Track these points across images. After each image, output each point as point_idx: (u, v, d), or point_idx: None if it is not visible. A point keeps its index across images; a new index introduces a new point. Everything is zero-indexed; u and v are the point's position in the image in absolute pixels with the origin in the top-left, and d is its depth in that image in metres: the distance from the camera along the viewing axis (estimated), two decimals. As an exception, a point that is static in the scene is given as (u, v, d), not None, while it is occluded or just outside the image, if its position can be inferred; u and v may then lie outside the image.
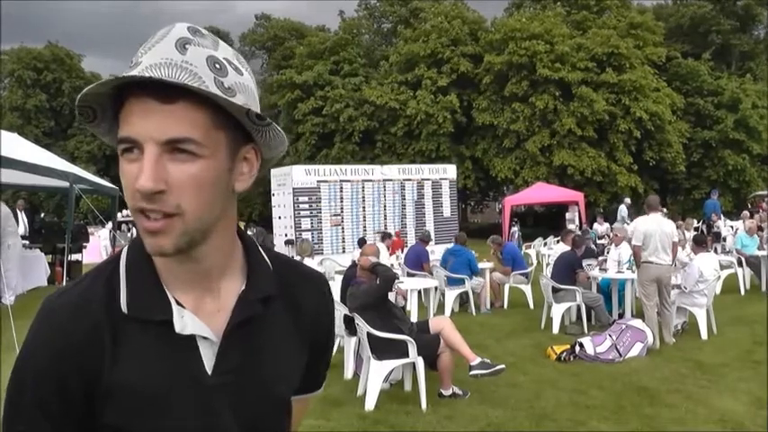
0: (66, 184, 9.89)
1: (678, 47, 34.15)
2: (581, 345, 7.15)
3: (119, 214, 17.49)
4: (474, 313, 10.00)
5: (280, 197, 16.04)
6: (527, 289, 10.55)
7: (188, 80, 0.85)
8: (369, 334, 5.52)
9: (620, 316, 8.75)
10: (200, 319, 0.96)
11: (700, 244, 8.88)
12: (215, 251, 0.98)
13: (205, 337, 0.96)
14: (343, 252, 15.12)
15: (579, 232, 13.07)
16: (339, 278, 7.82)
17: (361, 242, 12.28)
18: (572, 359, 7.04)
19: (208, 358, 0.96)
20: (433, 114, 29.05)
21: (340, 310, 6.01)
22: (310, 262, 8.99)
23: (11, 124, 34.43)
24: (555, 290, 8.70)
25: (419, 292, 9.22)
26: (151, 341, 0.94)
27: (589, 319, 8.69)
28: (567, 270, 8.90)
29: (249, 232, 1.10)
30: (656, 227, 7.60)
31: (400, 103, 30.02)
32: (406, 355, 5.54)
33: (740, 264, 11.71)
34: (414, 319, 7.52)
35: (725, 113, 30.68)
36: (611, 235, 11.97)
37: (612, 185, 28.11)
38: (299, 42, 37.73)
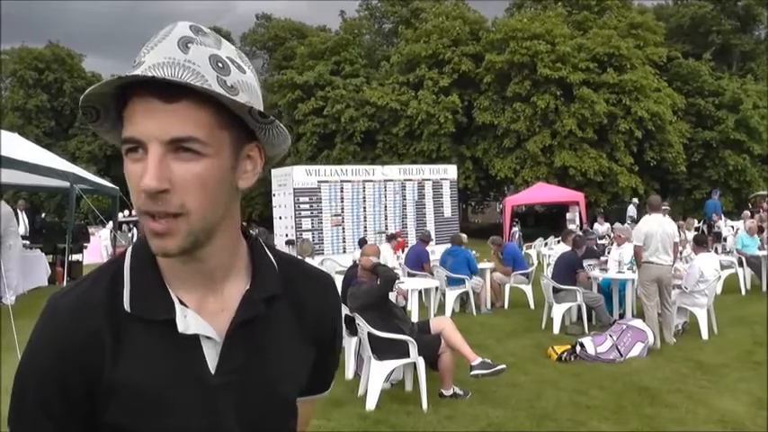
0: (66, 184, 9.88)
1: (679, 47, 34.14)
2: (582, 345, 7.15)
3: (120, 214, 17.50)
4: (474, 313, 10.00)
5: (280, 197, 16.04)
6: (528, 289, 10.55)
7: (191, 79, 0.85)
8: (369, 334, 5.52)
9: (621, 316, 8.75)
10: (203, 318, 0.96)
11: (700, 244, 8.87)
12: (219, 251, 0.98)
13: (208, 337, 0.96)
14: (344, 252, 15.11)
15: (580, 232, 13.07)
16: (340, 278, 7.82)
17: (362, 242, 12.27)
18: (573, 359, 7.04)
19: (211, 358, 0.96)
20: (435, 114, 29.05)
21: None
22: (311, 262, 8.98)
23: (12, 124, 34.47)
24: (555, 290, 8.70)
25: (420, 292, 9.22)
26: (154, 340, 0.94)
27: (590, 320, 8.69)
28: (568, 270, 8.90)
29: (251, 232, 1.10)
30: (657, 227, 7.60)
31: (401, 104, 30.00)
32: (407, 355, 5.54)
33: (741, 264, 11.70)
34: (414, 319, 7.52)
35: (726, 114, 30.67)
36: (613, 235, 11.97)
37: (613, 186, 28.10)
38: (300, 42, 37.71)
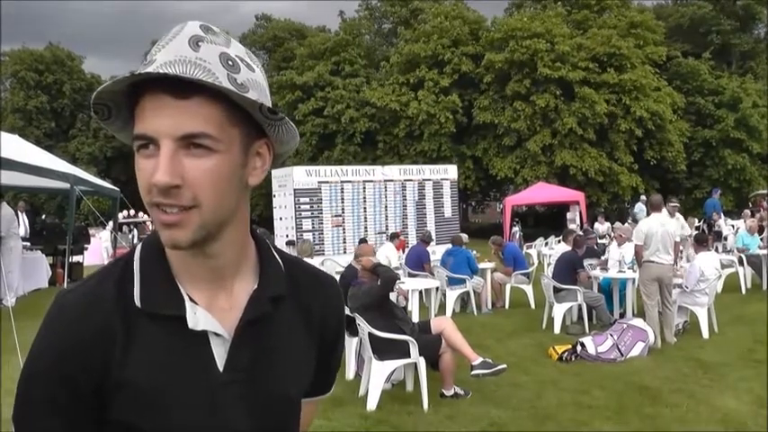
0: (66, 185, 9.89)
1: (678, 46, 34.16)
2: (582, 344, 7.15)
3: (120, 215, 17.50)
4: (475, 313, 10.00)
5: (281, 198, 16.04)
6: (528, 289, 10.55)
7: (202, 76, 0.86)
8: (370, 334, 5.52)
9: (622, 315, 8.76)
10: (212, 315, 0.97)
11: (701, 243, 8.87)
12: (229, 247, 0.99)
13: (217, 334, 0.97)
14: (345, 252, 15.10)
15: (580, 232, 13.07)
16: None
17: (363, 242, 12.27)
18: (573, 359, 7.04)
19: (219, 355, 0.97)
20: (435, 114, 29.05)
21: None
22: (311, 262, 8.98)
23: (12, 126, 34.46)
24: (556, 290, 8.70)
25: (420, 292, 9.22)
26: (163, 336, 0.95)
27: (590, 319, 8.69)
28: (569, 270, 8.90)
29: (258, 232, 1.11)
30: (658, 226, 7.60)
31: (401, 104, 30.00)
32: (408, 355, 5.54)
33: (741, 263, 11.70)
34: (415, 319, 7.52)
35: (725, 113, 30.69)
36: (614, 234, 11.98)
37: (614, 185, 28.11)
38: (300, 43, 37.72)
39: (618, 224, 18.52)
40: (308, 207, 15.53)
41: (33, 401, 0.93)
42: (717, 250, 13.23)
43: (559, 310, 8.62)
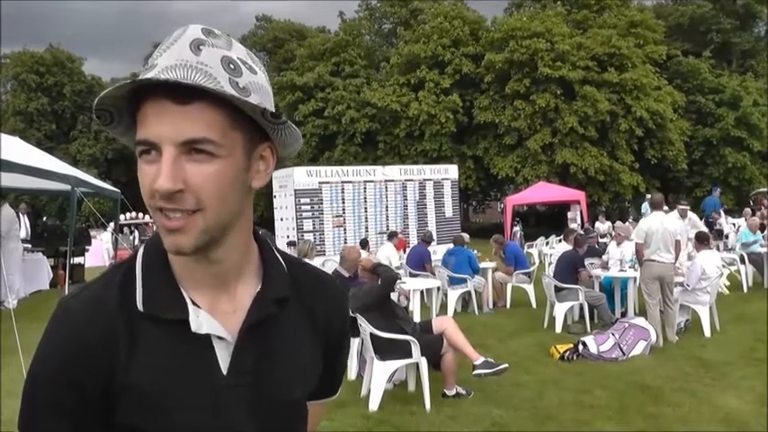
0: (67, 187, 9.88)
1: (678, 45, 34.18)
2: (584, 344, 7.15)
3: (122, 216, 17.51)
4: (477, 313, 10.00)
5: (281, 199, 16.02)
6: (529, 288, 10.55)
7: (203, 81, 0.86)
8: (372, 334, 5.52)
9: (623, 314, 8.75)
10: (215, 319, 0.97)
11: (702, 241, 8.86)
12: (233, 251, 0.98)
13: (220, 338, 0.96)
14: (346, 253, 15.07)
15: (581, 231, 13.06)
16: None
17: (364, 243, 12.27)
18: (575, 358, 7.03)
19: (223, 358, 0.96)
20: (436, 115, 29.06)
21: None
22: (311, 263, 8.98)
23: (13, 128, 34.45)
24: (557, 289, 8.69)
25: (422, 292, 9.22)
26: (167, 340, 0.94)
27: (592, 318, 8.68)
28: (570, 269, 8.89)
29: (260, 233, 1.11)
30: (658, 225, 7.60)
31: (402, 105, 30.01)
32: (410, 355, 5.54)
33: (742, 261, 11.69)
34: (416, 319, 7.52)
35: (726, 111, 30.71)
36: (614, 233, 11.98)
37: (615, 184, 28.11)
38: (300, 44, 37.72)
39: (618, 223, 18.48)
40: (308, 208, 15.51)
41: (39, 405, 0.93)
42: (717, 248, 13.21)
43: (561, 310, 8.61)
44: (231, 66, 0.90)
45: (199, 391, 0.94)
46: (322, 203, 15.70)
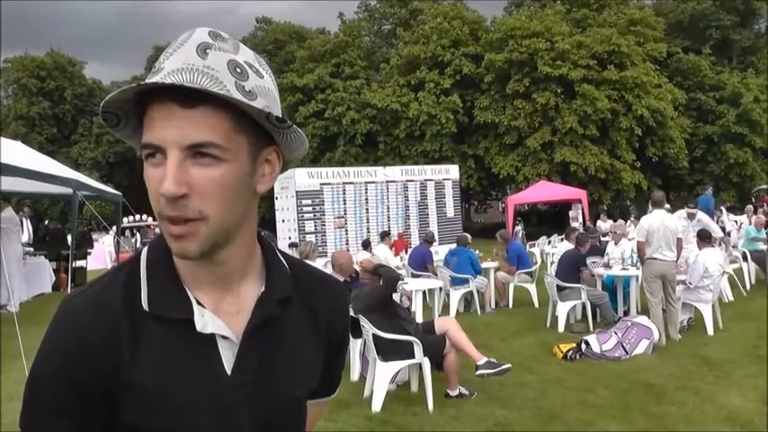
0: (69, 190, 9.90)
1: (678, 43, 34.16)
2: (587, 343, 7.14)
3: (125, 219, 17.51)
4: (479, 313, 10.00)
5: (283, 200, 16.02)
6: (532, 288, 10.53)
7: (209, 85, 0.86)
8: (374, 335, 5.52)
9: (626, 313, 8.74)
10: (219, 319, 0.97)
11: (704, 239, 8.84)
12: (237, 253, 0.99)
13: (225, 337, 0.97)
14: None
15: (583, 230, 13.05)
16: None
17: (366, 244, 12.27)
18: (578, 357, 7.03)
19: (227, 358, 0.97)
20: (436, 115, 29.07)
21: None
22: (313, 264, 8.98)
23: (15, 132, 34.51)
24: (560, 288, 8.69)
25: (424, 292, 9.22)
26: (171, 340, 0.95)
27: (594, 317, 8.68)
28: (572, 268, 8.88)
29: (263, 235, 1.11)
30: (659, 223, 7.59)
31: (402, 106, 30.02)
32: (412, 355, 5.54)
33: (745, 259, 11.67)
34: (419, 319, 7.52)
35: (727, 108, 30.69)
36: (611, 233, 11.99)
37: (616, 183, 28.10)
38: (300, 45, 37.74)
39: (611, 222, 18.46)
40: (310, 209, 15.52)
41: (41, 405, 0.93)
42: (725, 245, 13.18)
43: (563, 309, 8.60)
44: (238, 69, 0.90)
45: (203, 391, 0.95)
46: (323, 205, 15.71)
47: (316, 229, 15.53)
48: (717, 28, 35.37)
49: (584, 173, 27.32)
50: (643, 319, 7.50)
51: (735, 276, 10.56)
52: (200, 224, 0.89)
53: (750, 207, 17.93)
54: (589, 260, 9.59)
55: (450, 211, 17.85)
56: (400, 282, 6.97)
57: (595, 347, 7.07)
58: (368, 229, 16.08)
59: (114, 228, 14.05)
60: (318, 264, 10.20)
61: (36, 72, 41.47)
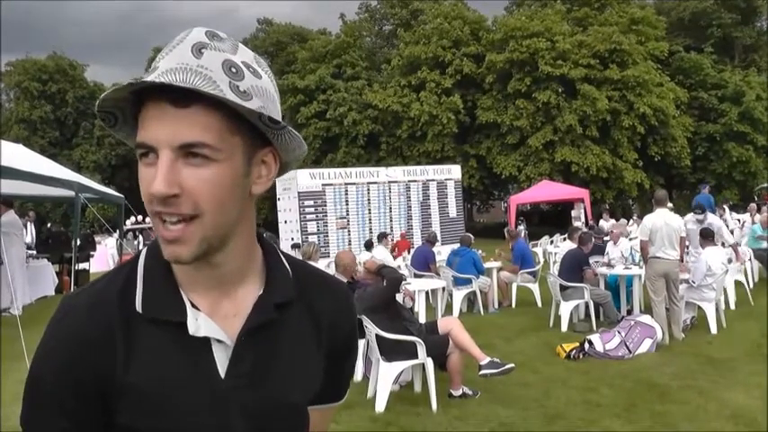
0: (71, 193, 9.90)
1: (680, 41, 34.14)
2: (590, 342, 7.13)
3: (128, 221, 17.52)
4: (482, 313, 9.99)
5: (285, 201, 16.03)
6: (535, 287, 10.53)
7: (201, 84, 0.85)
8: (377, 336, 5.51)
9: (629, 312, 8.73)
10: (215, 322, 0.96)
11: (707, 238, 8.83)
12: (233, 256, 0.98)
13: (219, 341, 0.96)
14: (350, 254, 15.06)
15: (586, 229, 13.03)
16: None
17: (368, 244, 12.27)
18: (582, 357, 7.02)
19: (221, 362, 0.96)
20: (438, 115, 29.08)
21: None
22: (316, 265, 8.97)
23: (17, 136, 34.58)
24: (563, 288, 8.68)
25: (427, 292, 9.21)
26: (165, 342, 0.94)
27: (597, 316, 8.67)
28: (575, 267, 8.87)
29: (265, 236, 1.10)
30: (662, 222, 7.58)
31: (403, 106, 30.04)
32: (416, 356, 5.53)
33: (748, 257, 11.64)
34: (422, 320, 7.51)
35: (729, 106, 30.67)
36: (610, 232, 11.99)
37: (619, 182, 28.09)
38: (301, 46, 37.77)
39: (613, 221, 18.42)
40: (312, 210, 15.53)
41: (40, 404, 0.93)
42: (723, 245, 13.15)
43: (566, 308, 8.60)
44: (233, 69, 0.89)
45: (196, 394, 0.94)
46: (326, 205, 15.71)
47: (318, 229, 15.54)
48: (718, 26, 35.35)
49: (585, 172, 27.30)
50: (646, 318, 7.49)
51: (747, 290, 10.36)
52: (195, 224, 0.89)
53: (753, 205, 17.88)
54: (592, 260, 9.58)
55: (452, 211, 17.85)
56: (403, 282, 6.96)
57: (599, 347, 7.06)
58: (370, 229, 16.08)
59: (117, 230, 14.06)
60: (321, 264, 10.21)
61: (38, 75, 41.56)
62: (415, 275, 10.27)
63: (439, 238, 14.09)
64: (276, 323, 1.01)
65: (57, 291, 12.62)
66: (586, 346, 7.11)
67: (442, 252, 12.68)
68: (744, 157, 30.20)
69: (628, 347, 7.05)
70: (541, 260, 14.50)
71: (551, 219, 33.00)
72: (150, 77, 0.86)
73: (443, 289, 9.66)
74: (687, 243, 8.78)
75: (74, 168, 18.81)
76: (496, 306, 10.42)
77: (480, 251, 10.91)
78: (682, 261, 8.02)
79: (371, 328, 5.53)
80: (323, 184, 15.73)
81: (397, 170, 17.83)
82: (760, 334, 7.72)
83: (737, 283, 10.13)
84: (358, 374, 6.39)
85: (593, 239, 10.11)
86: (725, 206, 19.22)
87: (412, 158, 29.37)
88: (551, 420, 5.18)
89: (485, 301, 10.23)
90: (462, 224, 18.34)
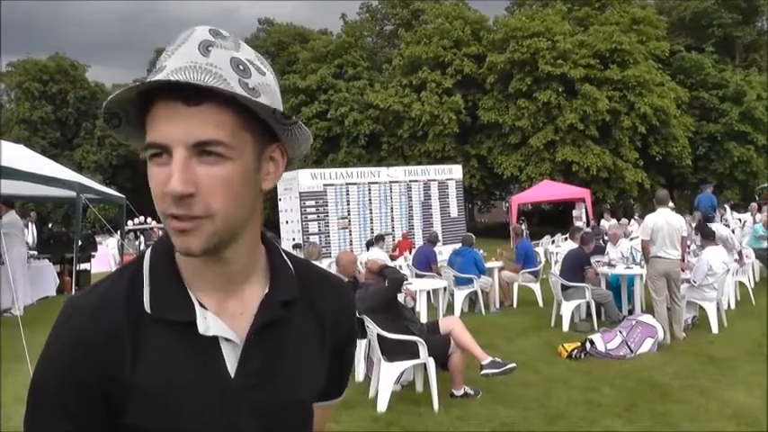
0: (73, 193, 9.90)
1: (681, 41, 34.13)
2: (591, 342, 7.13)
3: (129, 222, 17.52)
4: (483, 313, 9.99)
5: (286, 202, 16.04)
6: (536, 287, 10.53)
7: (213, 82, 0.85)
8: (379, 336, 5.52)
9: (630, 312, 8.73)
10: (222, 321, 0.96)
11: (708, 237, 8.83)
12: (241, 253, 0.98)
13: (228, 340, 0.96)
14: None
15: (587, 229, 13.03)
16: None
17: (369, 244, 12.28)
18: (583, 356, 7.02)
19: (231, 361, 0.96)
20: (439, 115, 29.08)
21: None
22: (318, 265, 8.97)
23: (18, 136, 34.56)
24: (564, 287, 8.68)
25: (428, 292, 9.21)
26: (174, 342, 0.94)
27: (599, 316, 8.67)
28: (576, 267, 8.87)
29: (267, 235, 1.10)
30: (663, 222, 7.57)
31: (404, 106, 30.04)
32: (417, 355, 5.53)
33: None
34: (423, 319, 7.51)
35: (730, 106, 30.64)
36: (609, 234, 11.99)
37: (620, 181, 28.08)
38: (302, 46, 37.78)
39: (614, 221, 18.41)
40: (313, 210, 15.54)
41: (44, 408, 0.93)
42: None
43: (568, 308, 8.60)
44: (240, 67, 0.90)
45: (206, 393, 0.94)
46: (327, 206, 15.73)
47: (319, 229, 15.56)
48: (719, 26, 35.33)
49: (585, 172, 27.30)
50: (648, 318, 7.49)
51: (749, 290, 10.32)
52: (206, 221, 0.89)
53: (754, 205, 17.87)
54: (594, 259, 9.58)
55: (453, 210, 17.86)
56: (404, 282, 6.97)
57: (600, 346, 7.06)
58: (372, 229, 16.09)
59: (118, 230, 14.06)
60: (323, 264, 10.19)
61: (39, 76, 41.53)
62: (417, 275, 10.27)
63: (440, 237, 14.10)
64: (283, 321, 1.01)
65: (58, 291, 12.63)
66: (588, 345, 7.11)
67: (444, 252, 12.69)
68: (745, 157, 30.18)
69: (629, 347, 7.05)
70: (543, 260, 14.49)
71: (552, 218, 32.99)
72: (160, 76, 0.85)
73: (445, 289, 9.66)
74: (688, 243, 8.79)
75: (75, 169, 18.80)
76: (498, 306, 10.42)
77: (482, 251, 10.91)
78: (683, 261, 8.02)
79: (373, 328, 5.53)
80: (324, 185, 15.75)
81: (399, 170, 17.84)
82: (761, 333, 7.72)
83: (740, 284, 10.14)
84: (360, 374, 6.40)
85: (596, 239, 10.10)
86: (726, 206, 19.22)
87: (413, 158, 29.37)
88: (553, 420, 5.18)
89: (486, 300, 10.23)
90: (463, 224, 18.34)
